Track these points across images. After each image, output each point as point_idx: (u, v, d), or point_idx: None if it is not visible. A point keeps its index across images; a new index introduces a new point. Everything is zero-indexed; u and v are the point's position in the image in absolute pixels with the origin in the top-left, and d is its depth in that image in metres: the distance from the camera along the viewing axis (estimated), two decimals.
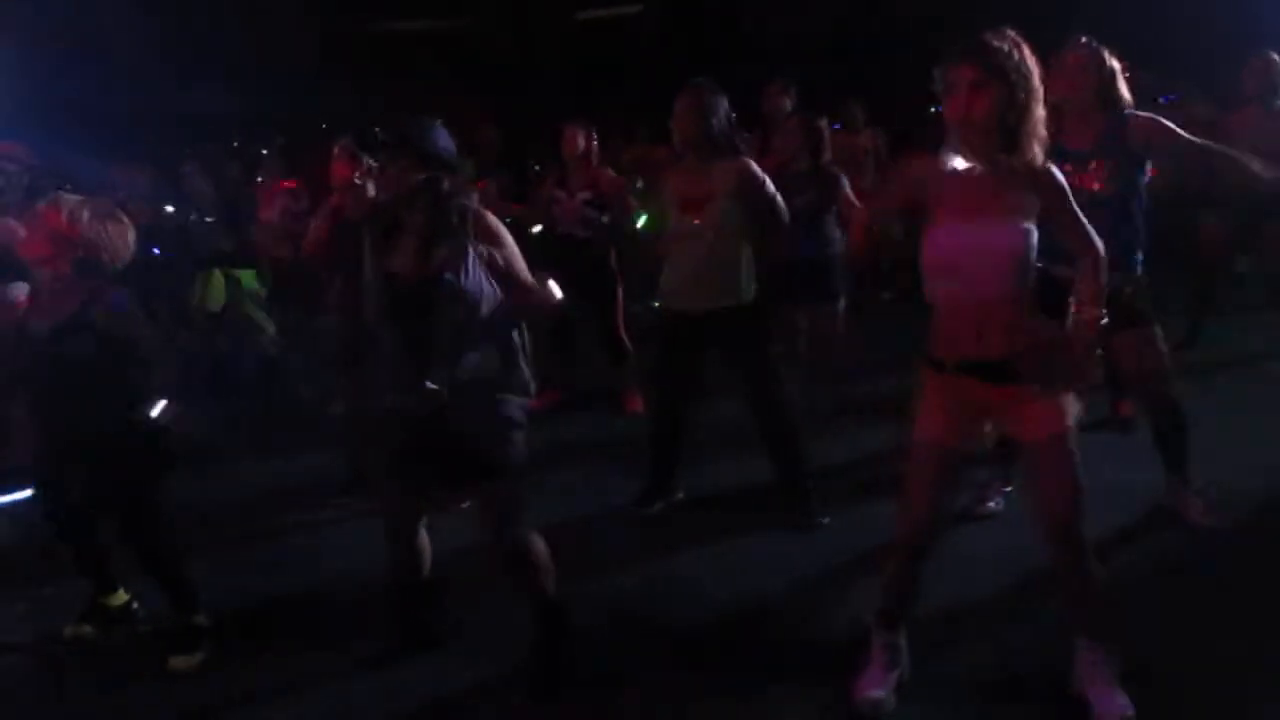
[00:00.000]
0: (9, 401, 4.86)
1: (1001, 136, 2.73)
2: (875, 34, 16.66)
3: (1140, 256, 4.02)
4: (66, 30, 17.24)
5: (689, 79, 4.54)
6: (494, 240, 3.19)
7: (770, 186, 4.45)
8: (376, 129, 3.43)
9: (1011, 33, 2.75)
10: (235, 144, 14.28)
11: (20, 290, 4.83)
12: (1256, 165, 4.03)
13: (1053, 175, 2.82)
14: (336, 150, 5.26)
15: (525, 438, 3.27)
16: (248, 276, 7.17)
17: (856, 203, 5.55)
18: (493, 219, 3.26)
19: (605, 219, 6.14)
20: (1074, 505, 2.85)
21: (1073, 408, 2.86)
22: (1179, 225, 6.64)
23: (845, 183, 5.68)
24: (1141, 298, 4.01)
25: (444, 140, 3.23)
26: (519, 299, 3.21)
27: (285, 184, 7.95)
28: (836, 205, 5.61)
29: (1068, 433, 2.83)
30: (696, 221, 4.34)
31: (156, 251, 5.69)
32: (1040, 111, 2.75)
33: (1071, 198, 2.85)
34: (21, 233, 5.07)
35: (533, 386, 3.33)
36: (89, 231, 3.55)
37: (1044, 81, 2.78)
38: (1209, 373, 5.84)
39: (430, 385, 3.09)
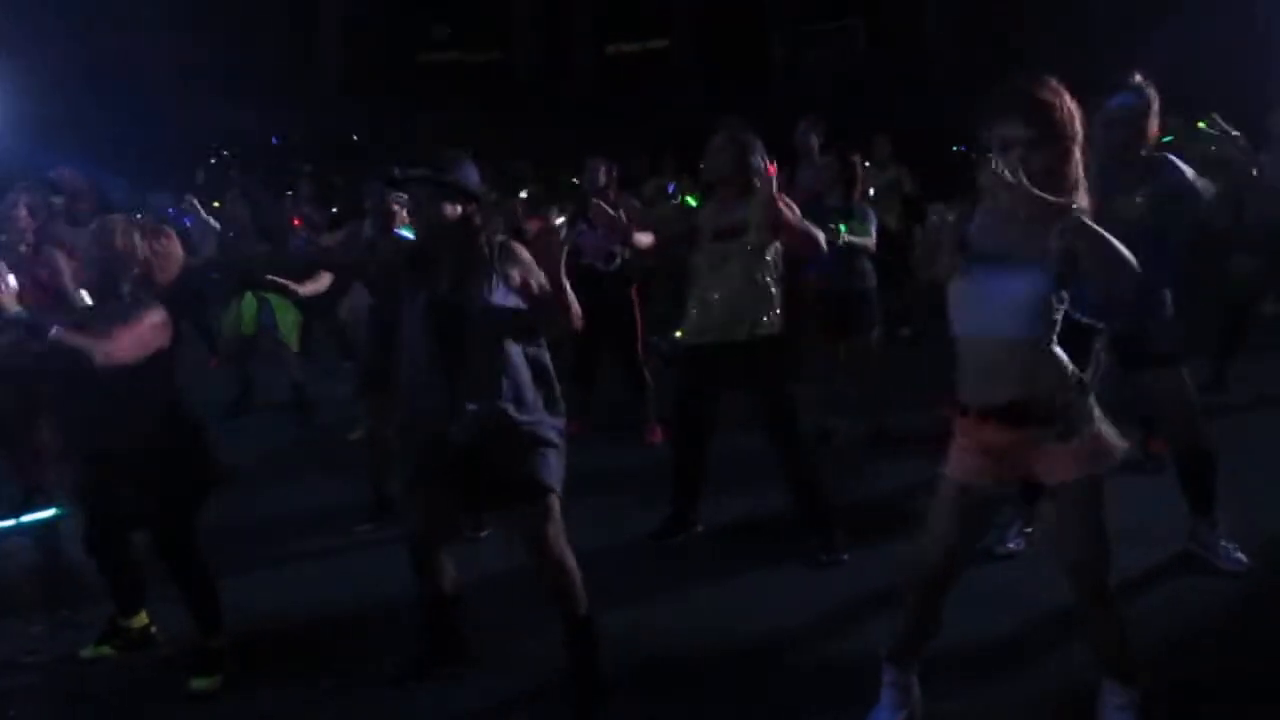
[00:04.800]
0: (34, 424, 4.91)
1: (1044, 184, 2.72)
2: (904, 69, 16.74)
3: (1168, 296, 4.00)
4: (103, 57, 17.54)
5: (715, 112, 4.58)
6: (522, 265, 3.29)
7: (796, 214, 4.41)
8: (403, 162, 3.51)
9: (1052, 81, 2.75)
10: (261, 171, 14.45)
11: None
12: None
13: (1079, 215, 2.79)
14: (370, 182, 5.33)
15: (561, 458, 3.33)
16: (279, 301, 7.24)
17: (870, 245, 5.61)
18: (519, 246, 3.35)
19: (626, 252, 6.19)
20: (1096, 552, 2.82)
21: (1108, 450, 2.82)
22: (1208, 266, 6.62)
23: (873, 219, 5.71)
24: (1166, 338, 3.98)
25: (472, 174, 3.34)
26: (544, 307, 3.27)
27: (296, 221, 8.04)
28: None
29: (1089, 478, 2.80)
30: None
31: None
32: (1079, 156, 2.75)
33: (1099, 230, 2.80)
34: (65, 259, 5.15)
35: (563, 409, 3.38)
36: (144, 252, 3.63)
37: (1085, 124, 2.78)
38: (1235, 414, 5.78)
39: (467, 414, 3.19)
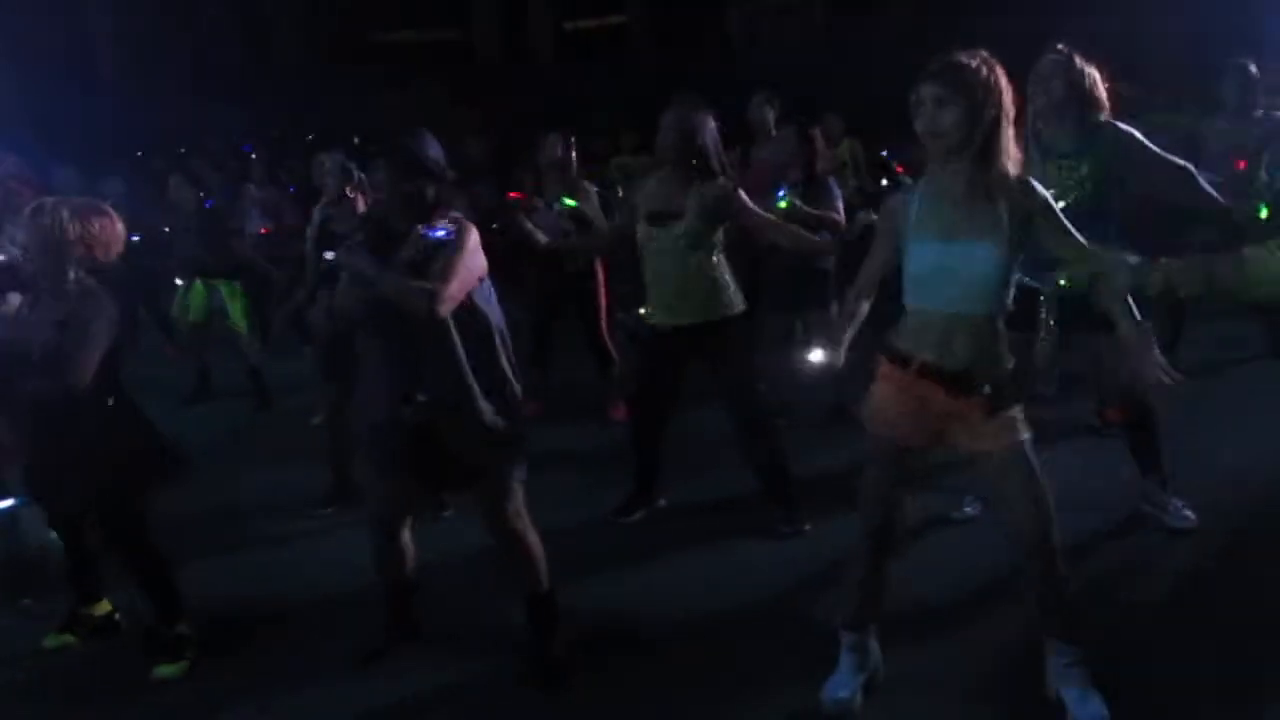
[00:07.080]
0: None
1: (972, 153, 2.77)
2: (860, 45, 16.73)
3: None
4: (54, 40, 17.23)
5: (674, 90, 4.55)
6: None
7: (751, 209, 4.40)
8: (358, 140, 3.50)
9: (984, 52, 2.80)
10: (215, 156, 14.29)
11: (15, 301, 4.81)
12: (1211, 192, 4.11)
13: (1031, 186, 2.85)
14: (327, 163, 5.28)
15: (518, 440, 3.34)
16: (229, 287, 7.17)
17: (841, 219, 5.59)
18: (470, 228, 3.32)
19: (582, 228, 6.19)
20: (1042, 514, 2.87)
21: (1020, 427, 2.88)
22: (1164, 239, 6.68)
23: (838, 194, 5.71)
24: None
25: (434, 149, 3.30)
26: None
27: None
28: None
29: (1024, 444, 2.87)
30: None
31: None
32: (1010, 130, 2.79)
33: (1054, 205, 2.88)
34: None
35: (519, 392, 3.38)
36: (78, 232, 3.53)
37: (1019, 96, 2.82)
38: (1186, 378, 5.87)
39: (420, 397, 3.18)
